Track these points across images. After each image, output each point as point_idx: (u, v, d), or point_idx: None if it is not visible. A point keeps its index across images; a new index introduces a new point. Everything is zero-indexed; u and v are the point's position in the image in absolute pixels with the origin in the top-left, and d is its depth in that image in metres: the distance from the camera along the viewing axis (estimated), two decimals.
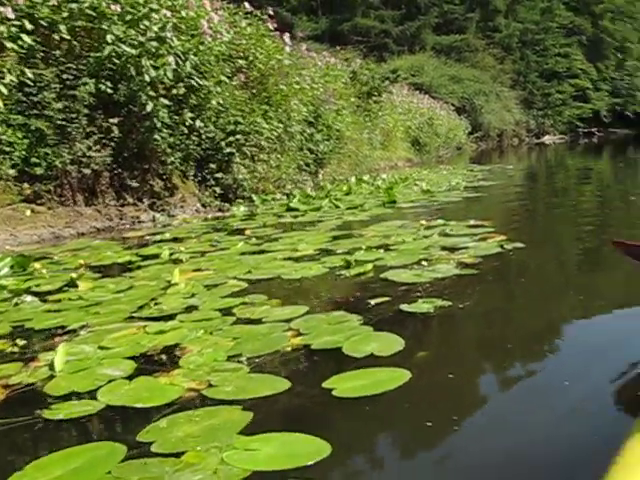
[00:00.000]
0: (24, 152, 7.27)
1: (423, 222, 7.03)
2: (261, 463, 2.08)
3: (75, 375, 2.94)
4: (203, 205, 9.23)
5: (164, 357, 3.18)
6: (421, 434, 2.34)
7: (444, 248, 5.46)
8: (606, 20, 48.58)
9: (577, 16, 46.98)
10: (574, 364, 2.91)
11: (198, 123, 8.99)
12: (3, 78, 6.92)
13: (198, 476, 2.01)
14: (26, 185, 7.50)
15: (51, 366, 3.03)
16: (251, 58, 10.56)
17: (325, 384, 2.67)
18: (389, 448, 2.31)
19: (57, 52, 7.73)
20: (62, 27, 7.58)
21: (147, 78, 8.03)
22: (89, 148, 7.81)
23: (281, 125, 10.53)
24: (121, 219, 8.27)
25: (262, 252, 5.83)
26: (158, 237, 7.11)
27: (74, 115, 7.61)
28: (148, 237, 7.24)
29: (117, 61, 7.97)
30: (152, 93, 8.17)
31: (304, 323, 3.54)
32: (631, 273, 3.87)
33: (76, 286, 4.71)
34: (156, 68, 8.18)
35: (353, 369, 2.83)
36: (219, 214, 8.92)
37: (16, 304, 4.30)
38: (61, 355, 3.09)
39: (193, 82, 8.73)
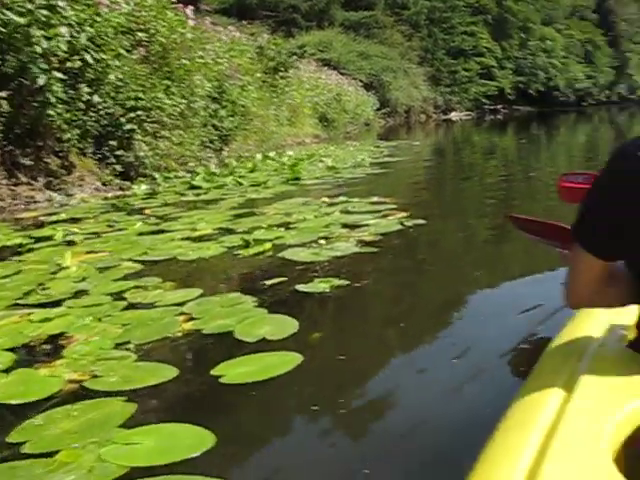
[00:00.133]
0: None
1: (326, 199, 7.00)
2: (141, 458, 1.99)
3: None
4: (103, 184, 8.90)
5: (47, 347, 3.01)
6: (306, 419, 2.31)
7: (345, 226, 5.44)
8: (510, 1, 49.75)
9: None
10: (468, 339, 2.93)
11: (96, 98, 8.61)
12: None
13: (71, 477, 1.90)
14: None
15: None
16: (152, 31, 10.19)
17: (214, 371, 2.60)
18: (273, 435, 2.26)
19: None
20: None
21: (38, 49, 7.62)
22: None
23: (184, 101, 10.26)
24: (14, 199, 7.86)
25: (160, 232, 5.66)
26: (54, 218, 6.80)
27: None
28: (43, 218, 6.91)
29: (3, 30, 7.51)
30: (45, 66, 7.75)
31: (197, 307, 3.44)
32: (529, 245, 3.95)
33: None
34: (48, 39, 7.77)
35: (244, 354, 2.77)
36: (120, 193, 8.62)
37: None
38: None
39: (88, 56, 8.35)
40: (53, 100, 7.80)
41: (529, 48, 51.00)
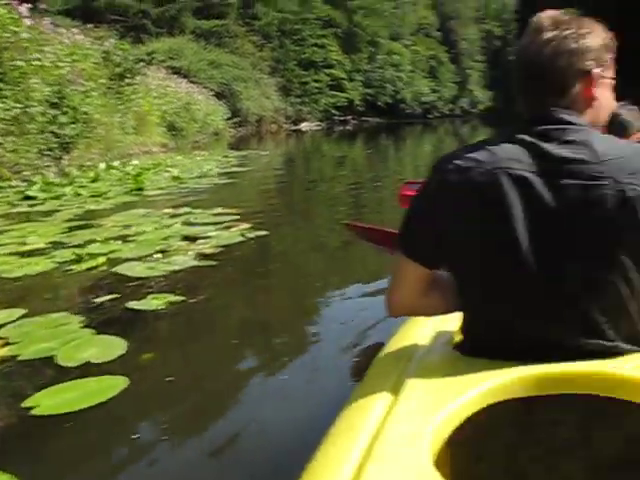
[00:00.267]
0: None
1: (168, 211, 6.79)
2: None
3: None
4: None
5: None
6: (124, 450, 2.15)
7: (185, 238, 5.28)
8: (359, 15, 51.26)
9: (333, 9, 49.00)
10: (306, 348, 2.92)
11: None
12: None
13: None
14: None
15: None
16: None
17: (27, 402, 2.38)
18: (84, 473, 2.08)
19: None
20: None
21: None
22: None
23: (19, 105, 9.66)
24: None
25: None
26: None
27: None
28: None
29: None
30: None
31: (16, 330, 3.18)
32: (372, 253, 3.98)
33: None
34: None
35: (65, 381, 2.56)
36: None
37: None
38: None
39: None
40: None
41: (378, 62, 52.74)
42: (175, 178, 10.14)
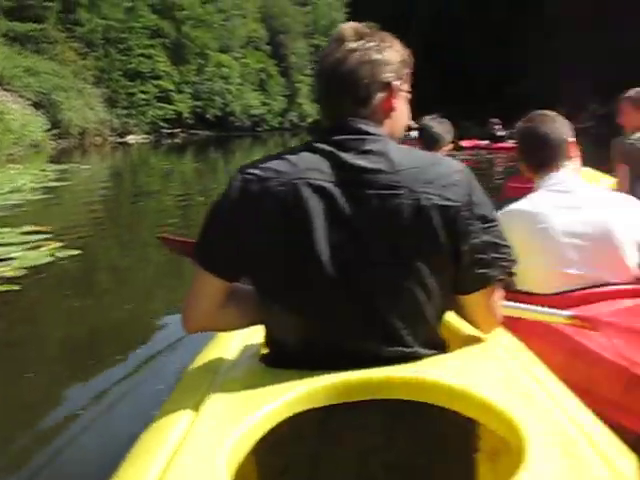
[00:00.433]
0: None
1: None
2: None
3: None
4: None
5: None
6: None
7: None
8: (188, 26, 50.65)
9: (161, 19, 48.06)
10: (116, 367, 2.77)
11: None
12: None
13: None
14: None
15: None
16: None
17: None
18: None
19: None
20: None
21: None
22: None
23: None
24: None
25: None
26: None
27: None
28: None
29: None
30: None
31: None
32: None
33: None
34: None
35: None
36: None
37: None
38: None
39: None
40: None
41: (207, 74, 52.50)
42: None
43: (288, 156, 1.29)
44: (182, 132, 46.00)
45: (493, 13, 34.90)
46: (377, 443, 1.25)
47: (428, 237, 1.24)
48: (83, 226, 7.31)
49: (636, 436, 1.58)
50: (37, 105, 28.17)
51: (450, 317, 1.49)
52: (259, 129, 57.57)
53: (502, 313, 1.43)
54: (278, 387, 1.18)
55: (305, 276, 1.26)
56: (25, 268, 4.53)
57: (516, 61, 31.63)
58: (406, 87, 1.38)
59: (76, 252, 5.11)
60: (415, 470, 1.28)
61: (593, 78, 25.74)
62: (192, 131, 47.16)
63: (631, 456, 1.03)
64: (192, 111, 49.24)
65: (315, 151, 1.29)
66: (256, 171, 1.29)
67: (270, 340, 1.36)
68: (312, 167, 1.26)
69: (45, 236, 5.77)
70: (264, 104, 61.91)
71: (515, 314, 1.77)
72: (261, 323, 1.38)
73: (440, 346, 1.32)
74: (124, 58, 43.77)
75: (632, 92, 3.65)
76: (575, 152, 2.13)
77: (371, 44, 1.32)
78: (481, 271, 1.30)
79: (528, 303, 1.82)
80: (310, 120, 65.09)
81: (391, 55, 1.34)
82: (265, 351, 1.38)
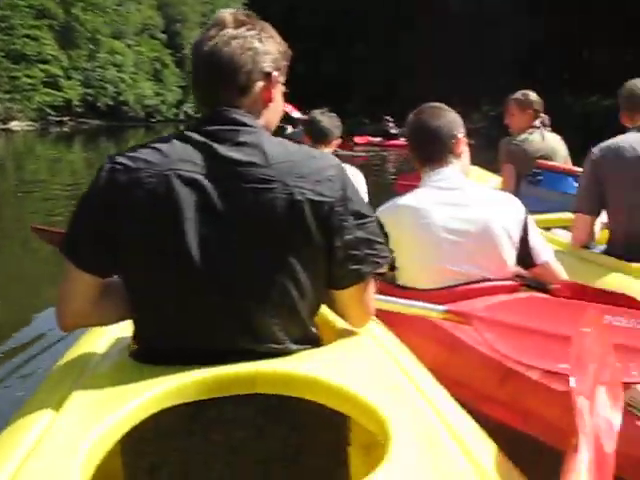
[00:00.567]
0: None
1: None
2: None
3: None
4: None
5: None
6: None
7: None
8: (78, 9, 48.70)
9: None
10: None
11: None
12: None
13: None
14: None
15: None
16: None
17: None
18: None
19: None
20: None
21: None
22: None
23: None
24: None
25: None
26: None
27: None
28: None
29: None
30: None
31: None
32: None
33: None
34: None
35: None
36: None
37: None
38: None
39: None
40: None
41: (98, 60, 50.78)
42: None
43: (160, 146, 1.25)
44: (71, 120, 44.32)
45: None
46: (247, 437, 1.25)
47: (301, 232, 1.23)
48: None
49: (510, 429, 1.62)
50: None
51: (324, 311, 1.49)
52: (153, 120, 56.37)
53: (375, 307, 1.45)
54: (145, 383, 1.15)
55: (172, 271, 1.23)
56: None
57: (407, 61, 32.41)
58: (282, 79, 1.37)
59: None
60: (287, 464, 1.28)
61: (485, 79, 26.59)
62: (82, 120, 45.50)
63: (493, 447, 1.08)
64: (82, 99, 47.55)
65: (188, 141, 1.25)
66: (125, 161, 1.24)
67: (139, 335, 1.33)
68: (184, 158, 1.23)
69: None
70: (158, 94, 60.67)
71: (391, 309, 1.79)
72: (130, 318, 1.35)
73: (313, 341, 1.32)
74: (6, 38, 41.55)
75: (518, 94, 3.77)
76: (464, 149, 2.14)
77: (252, 32, 1.30)
78: (354, 267, 1.30)
79: (407, 298, 1.84)
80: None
81: (271, 46, 1.33)
82: (135, 346, 1.35)
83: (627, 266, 2.30)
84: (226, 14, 1.33)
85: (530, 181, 3.57)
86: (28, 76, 41.92)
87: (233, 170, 1.22)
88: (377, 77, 34.87)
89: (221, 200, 1.22)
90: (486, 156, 5.23)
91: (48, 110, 42.84)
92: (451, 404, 1.20)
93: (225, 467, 1.25)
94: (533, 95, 3.74)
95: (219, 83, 1.29)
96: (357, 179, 3.09)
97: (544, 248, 2.09)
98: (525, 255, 2.04)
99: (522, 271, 2.11)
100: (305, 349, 1.28)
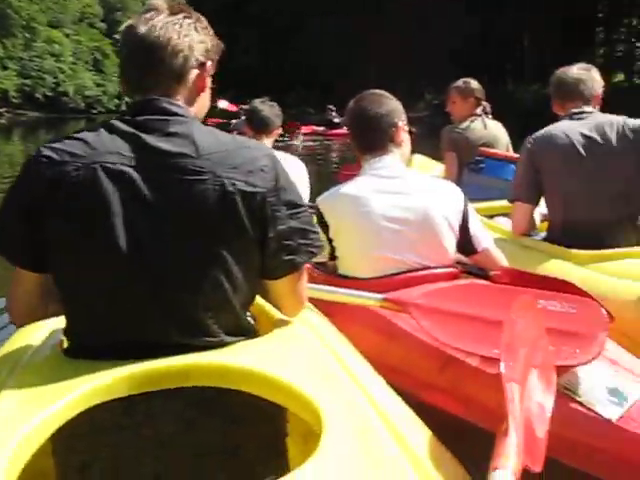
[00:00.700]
0: None
1: None
2: None
3: None
4: None
5: None
6: None
7: None
8: None
9: None
10: None
11: None
12: None
13: None
14: None
15: None
16: None
17: None
18: None
19: None
20: None
21: None
22: None
23: None
24: None
25: None
26: None
27: None
28: None
29: None
30: None
31: None
32: None
33: None
34: None
35: None
36: None
37: None
38: None
39: None
40: None
41: (35, 50, 49.37)
42: None
43: (87, 137, 1.22)
44: (7, 112, 42.93)
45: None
46: (176, 431, 1.24)
47: (233, 223, 1.22)
48: None
49: (451, 416, 1.63)
50: None
51: (260, 302, 1.49)
52: (94, 111, 55.05)
53: (307, 296, 1.45)
54: (76, 379, 1.13)
55: (102, 265, 1.21)
56: None
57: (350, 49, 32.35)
58: (211, 72, 1.35)
59: None
60: (225, 457, 1.29)
61: (427, 68, 26.73)
62: (19, 111, 44.16)
63: (427, 433, 1.10)
64: (19, 89, 46.21)
65: (116, 132, 1.22)
66: (50, 153, 1.21)
67: (71, 330, 1.30)
68: (111, 150, 1.20)
69: None
70: (99, 85, 59.36)
71: (329, 298, 1.79)
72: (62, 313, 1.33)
73: (248, 332, 1.32)
74: None
75: (460, 82, 3.78)
76: (405, 137, 2.12)
77: (189, 20, 1.28)
78: (288, 257, 1.30)
79: (347, 287, 1.84)
80: None
81: (206, 36, 1.31)
82: (67, 342, 1.33)
83: (566, 252, 2.34)
84: (159, 2, 1.29)
85: (472, 169, 3.58)
86: None
87: (163, 161, 1.20)
88: (317, 68, 34.67)
89: (151, 192, 1.19)
90: (429, 144, 5.23)
91: None
92: (385, 392, 1.21)
93: (155, 462, 1.24)
94: (474, 83, 3.76)
95: (154, 67, 1.25)
96: (299, 172, 3.06)
97: (484, 235, 2.11)
98: (465, 242, 2.05)
99: (463, 258, 2.12)
100: (240, 340, 1.27)
